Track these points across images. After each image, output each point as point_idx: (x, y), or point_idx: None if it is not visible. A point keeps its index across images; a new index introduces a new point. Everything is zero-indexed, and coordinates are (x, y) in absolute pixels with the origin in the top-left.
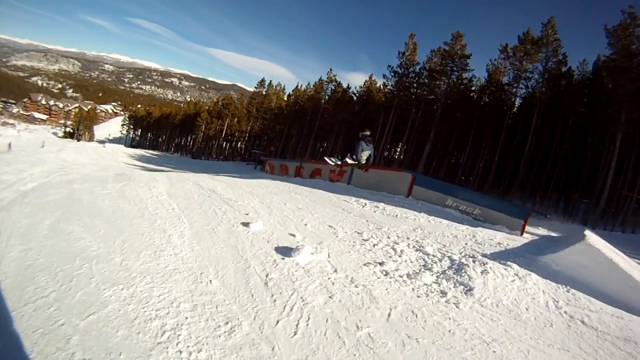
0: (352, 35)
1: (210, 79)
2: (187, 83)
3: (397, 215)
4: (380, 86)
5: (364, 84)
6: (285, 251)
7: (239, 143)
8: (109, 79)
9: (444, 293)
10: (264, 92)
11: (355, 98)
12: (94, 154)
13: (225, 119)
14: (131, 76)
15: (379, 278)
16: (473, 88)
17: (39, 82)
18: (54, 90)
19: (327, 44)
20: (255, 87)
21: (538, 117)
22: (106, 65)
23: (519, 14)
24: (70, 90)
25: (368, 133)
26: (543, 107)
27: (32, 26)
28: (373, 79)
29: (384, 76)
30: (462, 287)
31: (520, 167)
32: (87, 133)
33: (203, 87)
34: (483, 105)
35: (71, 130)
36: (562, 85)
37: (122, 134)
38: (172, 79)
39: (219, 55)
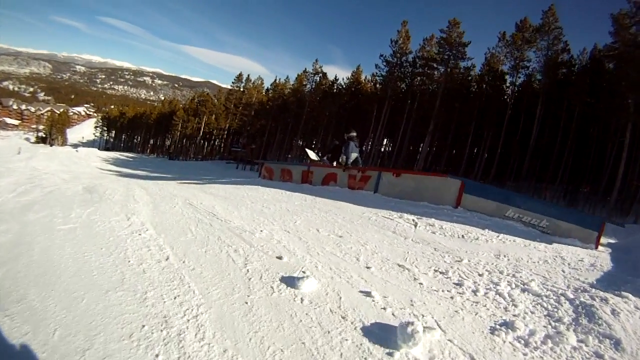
0: (324, 29)
1: (184, 76)
2: (160, 81)
3: (463, 237)
4: (368, 77)
5: (352, 75)
6: (385, 338)
7: (216, 141)
8: (81, 80)
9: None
10: (241, 88)
11: (343, 90)
12: (67, 159)
13: (203, 116)
14: (103, 76)
15: (525, 355)
16: (472, 77)
17: (10, 87)
18: (25, 94)
19: (300, 37)
20: (233, 83)
21: (542, 106)
22: (78, 66)
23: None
24: (42, 94)
25: (355, 134)
26: (545, 97)
27: (0, 29)
28: (360, 69)
29: (377, 66)
30: (608, 340)
31: (526, 158)
32: (59, 137)
33: (176, 85)
34: (483, 95)
35: (44, 135)
36: (564, 74)
37: (95, 136)
38: (144, 78)
39: (192, 52)
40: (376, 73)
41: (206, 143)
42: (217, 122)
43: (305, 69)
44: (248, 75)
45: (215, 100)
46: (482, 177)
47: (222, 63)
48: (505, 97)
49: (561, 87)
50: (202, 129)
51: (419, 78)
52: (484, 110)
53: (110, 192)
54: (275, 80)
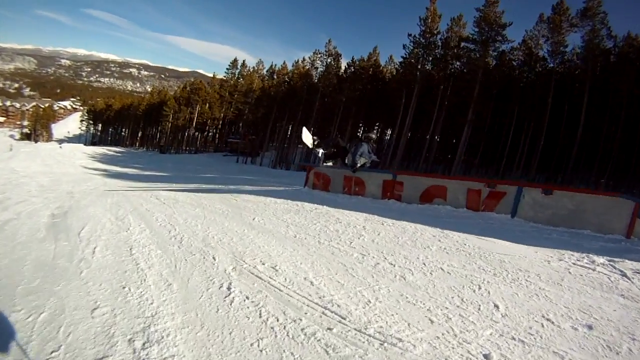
0: (314, 16)
1: (171, 67)
2: (146, 73)
3: None
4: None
5: (368, 58)
6: None
7: (211, 132)
8: (67, 74)
9: None
10: (236, 74)
11: (362, 74)
12: (50, 158)
13: (196, 105)
14: (89, 69)
15: None
16: (511, 61)
17: None
18: (10, 90)
19: (288, 25)
20: (227, 69)
21: (587, 94)
22: (63, 60)
23: None
24: (28, 89)
25: (374, 137)
26: (590, 85)
27: None
28: (377, 51)
29: (404, 46)
30: None
31: (574, 150)
32: (45, 133)
33: (163, 76)
34: (523, 81)
35: (28, 132)
36: (609, 61)
37: (81, 130)
38: (131, 70)
39: (179, 43)
40: (405, 55)
41: (200, 134)
42: (212, 111)
43: (316, 50)
44: (244, 61)
45: (209, 88)
46: (523, 171)
47: (209, 52)
48: (547, 85)
49: (607, 75)
50: (195, 119)
51: (453, 61)
52: (524, 98)
53: (89, 232)
54: (272, 65)
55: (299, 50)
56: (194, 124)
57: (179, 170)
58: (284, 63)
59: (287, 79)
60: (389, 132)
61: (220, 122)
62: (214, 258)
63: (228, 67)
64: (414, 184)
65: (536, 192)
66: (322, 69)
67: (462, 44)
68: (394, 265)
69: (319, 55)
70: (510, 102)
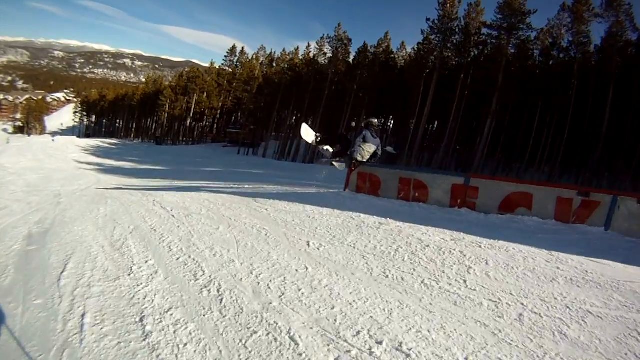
0: (308, 5)
1: (164, 57)
2: (140, 63)
3: None
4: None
5: (379, 45)
6: None
7: (208, 122)
8: (60, 66)
9: None
10: (235, 62)
11: (374, 60)
12: (41, 152)
13: (193, 94)
14: (82, 61)
15: None
16: (534, 50)
17: None
18: (3, 83)
19: (283, 13)
20: (226, 56)
21: (613, 89)
22: (56, 52)
23: None
24: (21, 82)
25: (376, 122)
26: (615, 79)
27: None
28: (389, 37)
29: (423, 31)
30: None
31: (599, 146)
32: (38, 126)
33: (157, 66)
34: (545, 72)
35: (21, 125)
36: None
37: (75, 122)
38: (124, 60)
39: (172, 32)
40: (422, 42)
41: (197, 125)
42: (210, 100)
43: (325, 34)
44: (242, 48)
45: (207, 77)
46: (546, 166)
47: (202, 42)
48: (571, 77)
49: (631, 68)
50: (192, 108)
51: (474, 48)
52: (547, 90)
53: (74, 277)
54: (271, 53)
55: (293, 39)
56: (192, 113)
57: (178, 163)
58: (284, 50)
59: (291, 65)
60: (391, 122)
61: (219, 112)
62: (292, 340)
63: (226, 54)
64: (492, 190)
65: (632, 202)
66: (329, 56)
67: (484, 30)
68: (540, 315)
69: (329, 40)
70: (533, 93)
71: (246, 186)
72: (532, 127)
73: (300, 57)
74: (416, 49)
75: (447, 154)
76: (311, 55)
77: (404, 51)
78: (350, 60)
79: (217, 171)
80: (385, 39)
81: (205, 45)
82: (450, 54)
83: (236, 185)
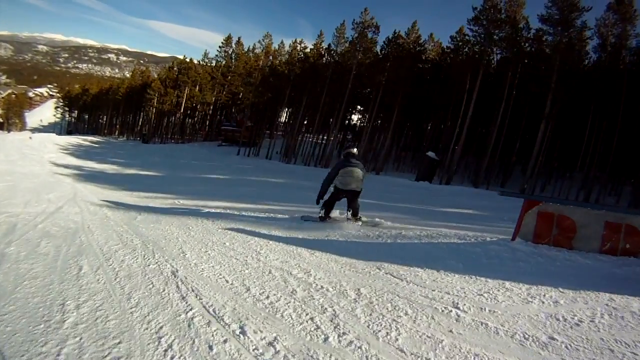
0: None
1: (149, 52)
2: (125, 58)
3: None
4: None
5: (408, 35)
6: None
7: (199, 117)
8: (44, 60)
9: None
10: (230, 52)
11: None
12: (15, 151)
13: (184, 88)
14: (66, 55)
15: None
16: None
17: None
18: None
19: (267, 10)
20: (220, 47)
21: None
22: (40, 46)
23: None
24: (4, 77)
25: (355, 151)
26: None
27: None
28: (416, 26)
29: (469, 21)
30: None
31: None
32: (18, 122)
33: (142, 61)
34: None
35: (0, 120)
36: None
37: (57, 118)
38: (109, 55)
39: (158, 27)
40: (460, 36)
41: (190, 121)
42: (202, 94)
43: (344, 21)
44: (239, 39)
45: (200, 68)
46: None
47: (188, 37)
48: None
49: None
50: (183, 103)
51: (524, 44)
52: (598, 93)
53: None
54: (264, 47)
55: (279, 36)
56: (182, 108)
57: (172, 167)
58: (282, 42)
59: (309, 56)
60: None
61: (212, 108)
62: None
63: (221, 45)
64: None
65: None
66: (345, 47)
67: (537, 24)
68: None
69: (355, 26)
70: (585, 96)
71: (303, 209)
72: (583, 133)
73: (311, 47)
74: (456, 39)
75: (494, 161)
76: (321, 45)
77: (432, 43)
78: (377, 50)
79: (226, 180)
80: (413, 29)
81: (190, 41)
82: (495, 49)
83: (283, 210)
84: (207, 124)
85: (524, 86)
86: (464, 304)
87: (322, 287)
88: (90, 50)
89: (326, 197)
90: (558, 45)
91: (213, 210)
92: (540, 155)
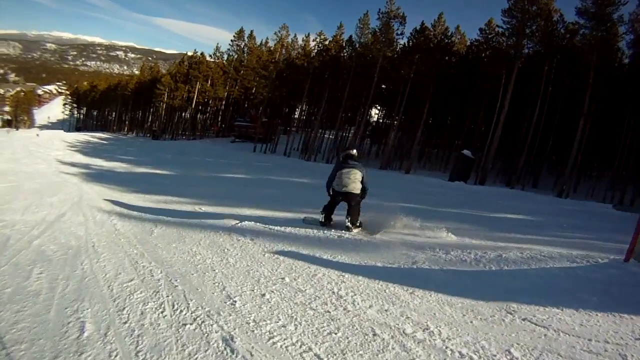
0: None
1: (157, 49)
2: (133, 55)
3: None
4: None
5: (435, 27)
6: None
7: (211, 113)
8: (52, 58)
9: None
10: (242, 46)
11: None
12: (22, 149)
13: (195, 83)
14: (75, 53)
15: None
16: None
17: None
18: None
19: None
20: (232, 41)
21: None
22: (48, 44)
23: None
24: (13, 75)
25: (354, 152)
26: None
27: None
28: (443, 18)
29: (504, 12)
30: None
31: None
32: (26, 119)
33: (150, 58)
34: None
35: (9, 118)
36: None
37: (65, 115)
38: (117, 52)
39: (165, 25)
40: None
41: (200, 117)
42: (214, 89)
43: (367, 11)
44: (251, 32)
45: (211, 62)
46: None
47: (195, 34)
48: None
49: None
50: (194, 98)
51: (560, 38)
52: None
53: None
54: (282, 37)
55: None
56: (194, 104)
57: (185, 165)
58: (295, 36)
59: (329, 48)
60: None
61: (224, 103)
62: None
63: (233, 38)
64: None
65: None
66: (368, 38)
67: (572, 17)
68: None
69: (380, 16)
70: (622, 93)
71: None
72: (618, 132)
73: (330, 39)
74: (486, 32)
75: (529, 163)
76: (341, 38)
77: (458, 36)
78: (403, 43)
79: (246, 180)
80: (439, 21)
81: (197, 38)
82: (526, 42)
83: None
84: (220, 119)
85: (558, 82)
86: (632, 355)
87: (460, 354)
88: (98, 48)
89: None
90: (595, 40)
91: (245, 222)
92: (579, 154)
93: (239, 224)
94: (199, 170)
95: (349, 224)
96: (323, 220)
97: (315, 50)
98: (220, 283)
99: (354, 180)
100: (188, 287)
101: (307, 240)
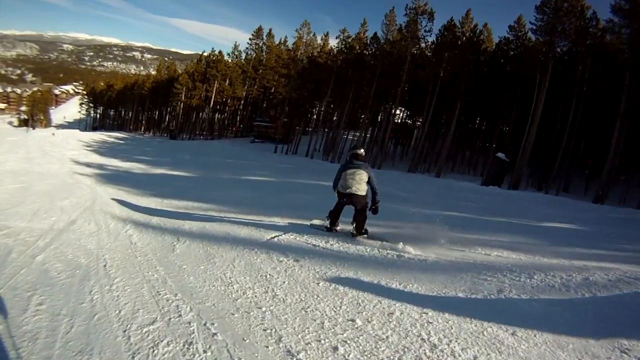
0: None
1: (173, 49)
2: (149, 56)
3: None
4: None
5: (465, 22)
6: None
7: (229, 112)
8: (69, 59)
9: None
10: (261, 45)
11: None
12: (36, 148)
13: (213, 82)
14: (91, 54)
15: None
16: None
17: None
18: (12, 77)
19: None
20: (251, 39)
21: None
22: (65, 45)
23: None
24: (30, 75)
25: (362, 152)
26: None
27: None
28: (471, 16)
29: (537, 8)
30: None
31: None
32: (43, 118)
33: (166, 59)
34: None
35: (26, 117)
36: None
37: (81, 114)
38: (134, 53)
39: (181, 25)
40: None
41: (218, 116)
42: (233, 88)
43: (393, 7)
44: (270, 30)
45: (230, 61)
46: None
47: (211, 34)
48: None
49: None
50: (212, 97)
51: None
52: None
53: None
54: (300, 35)
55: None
56: (212, 103)
57: (206, 166)
58: (314, 34)
59: (354, 45)
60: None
61: (242, 102)
62: None
63: (251, 37)
64: None
65: None
66: (393, 35)
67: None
68: None
69: (408, 12)
70: None
71: (398, 230)
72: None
73: (353, 36)
74: (516, 29)
75: (563, 167)
76: (365, 36)
77: (485, 33)
78: (432, 40)
79: (272, 184)
80: (467, 17)
81: (213, 38)
82: (561, 41)
83: (377, 233)
84: (238, 119)
85: (592, 82)
86: None
87: None
88: (115, 49)
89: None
90: (630, 38)
91: (282, 235)
92: (616, 157)
93: (276, 238)
94: (220, 172)
95: (354, 230)
96: (328, 225)
97: (338, 48)
98: (273, 329)
99: (359, 181)
100: (231, 337)
101: (364, 262)
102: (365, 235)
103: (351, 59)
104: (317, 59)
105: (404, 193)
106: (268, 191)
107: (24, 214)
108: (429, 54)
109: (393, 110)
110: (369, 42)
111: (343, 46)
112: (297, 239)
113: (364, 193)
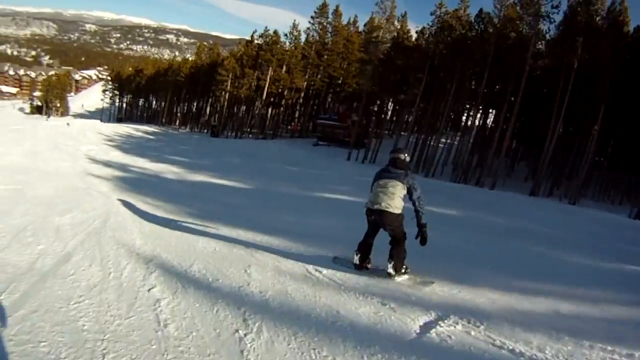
0: None
1: (214, 33)
2: (186, 40)
3: None
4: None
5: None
6: None
7: (284, 106)
8: (92, 41)
9: None
10: (326, 25)
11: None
12: (45, 140)
13: (267, 69)
14: (118, 35)
15: None
16: None
17: (8, 51)
18: (26, 58)
19: None
20: (313, 17)
21: None
22: (87, 25)
23: None
24: (47, 57)
25: (402, 157)
26: None
27: None
28: None
29: None
30: None
31: None
32: (60, 105)
33: (206, 43)
34: None
35: (40, 104)
36: None
37: (105, 102)
38: (167, 36)
39: (224, 6)
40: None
41: (274, 110)
42: (291, 77)
43: None
44: (337, 7)
45: (288, 44)
46: None
47: (260, 17)
48: None
49: None
50: (265, 88)
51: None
52: None
53: None
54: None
55: (362, 13)
56: (264, 95)
57: (262, 173)
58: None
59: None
60: None
61: (302, 95)
62: None
63: (314, 14)
64: None
65: None
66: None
67: None
68: None
69: None
70: None
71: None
72: None
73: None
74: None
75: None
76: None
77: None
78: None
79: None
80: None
81: (262, 22)
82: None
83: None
84: (298, 115)
85: None
86: None
87: None
88: (145, 31)
89: None
90: None
91: (439, 327)
92: None
93: (429, 335)
94: (284, 184)
95: (390, 269)
96: (357, 262)
97: (435, 27)
98: None
99: (391, 195)
100: None
101: None
102: (407, 276)
103: (448, 43)
104: (405, 42)
105: (543, 228)
106: (363, 219)
107: (2, 234)
108: (557, 38)
109: (513, 109)
110: (473, 21)
111: (438, 26)
112: (465, 333)
113: (397, 211)
